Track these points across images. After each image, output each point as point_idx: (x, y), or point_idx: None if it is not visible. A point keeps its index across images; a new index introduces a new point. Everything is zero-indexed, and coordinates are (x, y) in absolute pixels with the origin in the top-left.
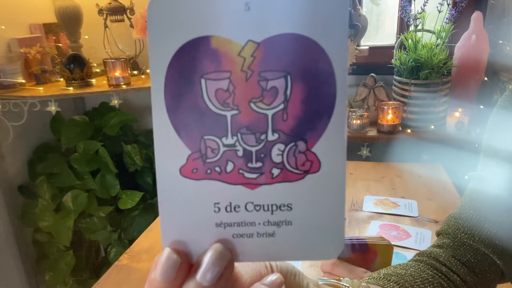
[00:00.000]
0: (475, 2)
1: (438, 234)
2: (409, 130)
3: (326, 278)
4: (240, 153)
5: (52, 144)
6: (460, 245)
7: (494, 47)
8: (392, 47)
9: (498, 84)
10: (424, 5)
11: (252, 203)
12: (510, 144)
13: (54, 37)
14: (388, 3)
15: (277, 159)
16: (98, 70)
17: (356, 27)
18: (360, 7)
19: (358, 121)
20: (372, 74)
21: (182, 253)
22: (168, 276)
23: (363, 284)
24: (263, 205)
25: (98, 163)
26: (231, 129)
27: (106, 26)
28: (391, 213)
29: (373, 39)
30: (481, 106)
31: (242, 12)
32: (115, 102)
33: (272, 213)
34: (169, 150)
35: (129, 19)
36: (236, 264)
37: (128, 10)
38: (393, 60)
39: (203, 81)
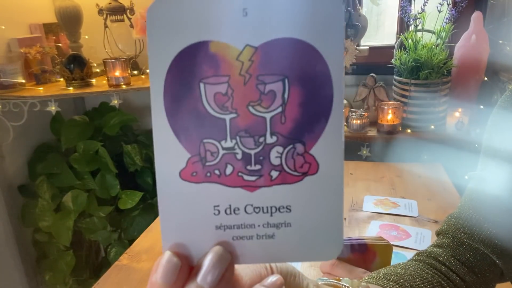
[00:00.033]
0: (475, 2)
1: (438, 233)
2: (409, 130)
3: (325, 278)
4: (239, 156)
5: (52, 144)
6: (460, 244)
7: (494, 47)
8: (392, 47)
9: (498, 84)
10: (424, 5)
11: (252, 205)
12: (510, 144)
13: (54, 37)
14: (388, 3)
15: (275, 161)
16: (98, 70)
17: (356, 27)
18: (360, 7)
19: (358, 121)
20: (372, 74)
21: (182, 256)
22: (169, 279)
23: (362, 284)
24: (263, 207)
25: (98, 163)
26: (230, 132)
27: (106, 26)
28: (391, 213)
29: (373, 39)
30: (481, 106)
31: (240, 17)
32: (115, 102)
33: (271, 215)
34: (169, 153)
35: (129, 19)
36: (236, 266)
37: (128, 10)
38: (393, 60)
39: (202, 85)
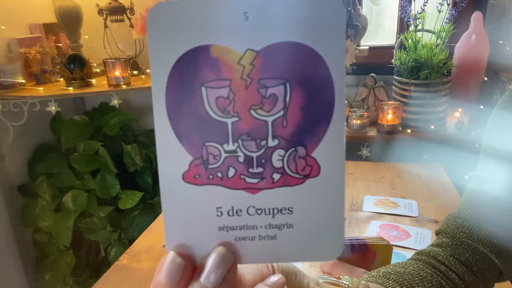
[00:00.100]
0: (475, 2)
1: (437, 233)
2: (409, 130)
3: (326, 276)
4: (241, 159)
5: (52, 144)
6: (459, 244)
7: (494, 47)
8: (392, 47)
9: (498, 84)
10: (424, 5)
11: (254, 207)
12: (510, 144)
13: (54, 37)
14: (388, 3)
15: (277, 164)
16: (98, 70)
17: (356, 27)
18: (360, 7)
19: (358, 121)
20: (372, 74)
21: (186, 256)
22: (172, 278)
23: (362, 282)
24: (265, 209)
25: (98, 163)
26: (232, 135)
27: (106, 26)
28: (391, 213)
29: (373, 39)
30: (481, 106)
31: (241, 22)
32: (115, 102)
33: (273, 217)
34: (172, 156)
35: (129, 19)
36: (239, 265)
37: (128, 10)
38: (393, 60)
39: (203, 89)
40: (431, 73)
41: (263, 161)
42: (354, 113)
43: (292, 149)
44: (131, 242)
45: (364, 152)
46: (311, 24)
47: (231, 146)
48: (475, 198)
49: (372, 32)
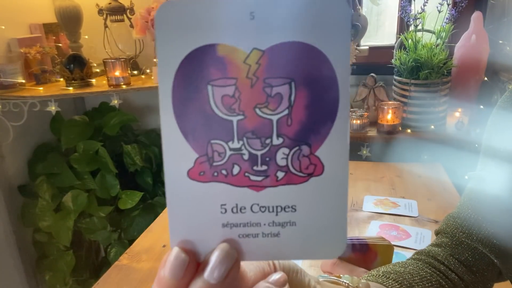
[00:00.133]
0: (475, 2)
1: (437, 233)
2: (409, 130)
3: (326, 275)
4: (246, 157)
5: (52, 144)
6: (458, 244)
7: (494, 47)
8: (392, 47)
9: (498, 84)
10: (424, 5)
11: (258, 204)
12: (509, 144)
13: (54, 37)
14: (388, 3)
15: (281, 162)
16: (98, 70)
17: (356, 27)
18: (360, 7)
19: (358, 121)
20: (372, 74)
21: (190, 252)
22: (176, 274)
23: (362, 281)
24: (268, 207)
25: (98, 163)
26: (237, 133)
27: (106, 26)
28: (391, 213)
29: (373, 39)
30: (481, 106)
31: (247, 21)
32: (115, 102)
33: (277, 214)
34: (177, 153)
35: (129, 19)
36: (241, 262)
37: (128, 10)
38: (393, 60)
39: (209, 87)
40: (431, 73)
41: (267, 159)
42: (354, 113)
43: (296, 147)
44: (131, 242)
45: (364, 152)
46: (317, 24)
47: (236, 144)
48: (475, 198)
49: (372, 32)
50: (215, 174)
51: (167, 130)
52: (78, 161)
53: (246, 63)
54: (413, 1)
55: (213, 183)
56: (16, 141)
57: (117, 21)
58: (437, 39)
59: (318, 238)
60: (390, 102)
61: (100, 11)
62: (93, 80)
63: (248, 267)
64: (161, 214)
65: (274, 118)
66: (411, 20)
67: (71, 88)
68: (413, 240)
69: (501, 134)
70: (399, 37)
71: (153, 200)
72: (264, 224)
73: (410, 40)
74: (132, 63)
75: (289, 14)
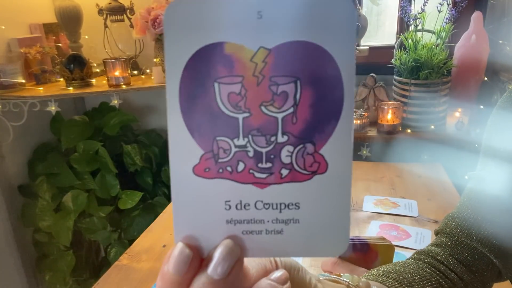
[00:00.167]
0: (475, 2)
1: (437, 233)
2: (409, 130)
3: (327, 274)
4: (251, 154)
5: (52, 144)
6: (458, 244)
7: (494, 47)
8: (392, 47)
9: (498, 84)
10: (424, 5)
11: (262, 201)
12: (509, 144)
13: (54, 37)
14: (388, 3)
15: (286, 160)
16: (98, 70)
17: (356, 27)
18: (360, 7)
19: (358, 121)
20: (372, 74)
21: (194, 248)
22: (180, 269)
23: (362, 280)
24: (272, 204)
25: (98, 163)
26: (242, 131)
27: (106, 26)
28: (391, 213)
29: (373, 39)
30: (481, 106)
31: (254, 20)
32: (115, 102)
33: (280, 212)
34: (183, 150)
35: (129, 19)
36: (244, 259)
37: (128, 10)
38: (393, 60)
39: (216, 84)
40: (431, 73)
41: (272, 156)
42: (354, 113)
43: (301, 145)
44: (131, 242)
45: (364, 152)
46: (323, 24)
47: (241, 141)
48: (474, 198)
49: (372, 32)
50: (220, 170)
51: (174, 127)
52: (78, 161)
53: (252, 61)
54: (413, 1)
55: (218, 179)
56: (16, 141)
57: (117, 21)
58: (437, 39)
59: (321, 236)
60: (390, 102)
61: (100, 11)
62: (93, 80)
63: (250, 264)
64: (161, 214)
65: (280, 116)
66: (411, 20)
67: (71, 88)
68: (413, 240)
69: (501, 134)
70: (399, 37)
71: (153, 200)
72: (268, 221)
73: (410, 40)
74: (132, 63)
75: (296, 14)
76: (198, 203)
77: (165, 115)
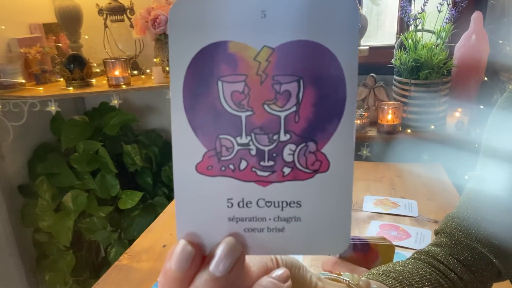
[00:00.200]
0: (475, 2)
1: (436, 233)
2: (409, 130)
3: (327, 273)
4: (253, 152)
5: (52, 144)
6: (458, 243)
7: (494, 47)
8: (392, 47)
9: (498, 84)
10: (424, 5)
11: (264, 199)
12: (509, 144)
13: (54, 37)
14: (388, 3)
15: (288, 158)
16: (98, 70)
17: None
18: (360, 7)
19: (358, 121)
20: (372, 74)
21: (196, 245)
22: (182, 266)
23: (362, 279)
24: (274, 202)
25: (98, 163)
26: (245, 129)
27: (106, 26)
28: (391, 213)
29: (373, 39)
30: (481, 106)
31: (258, 19)
32: (115, 102)
33: (282, 210)
34: (186, 147)
35: (129, 19)
36: (246, 256)
37: (128, 10)
38: (393, 60)
39: (220, 83)
40: (431, 73)
41: (274, 155)
42: None
43: (303, 144)
44: (131, 242)
45: (364, 152)
46: (326, 23)
47: (244, 139)
48: (474, 198)
49: (372, 32)
50: (223, 168)
51: (177, 125)
52: (78, 161)
53: (256, 60)
54: (413, 1)
55: (220, 177)
56: (16, 141)
57: (117, 21)
58: (437, 39)
59: (322, 234)
60: (390, 102)
61: (100, 11)
62: (93, 80)
63: (252, 261)
64: (161, 214)
65: (282, 115)
66: (411, 20)
67: (71, 88)
68: (413, 240)
69: (500, 134)
70: (399, 37)
71: (153, 200)
72: (269, 219)
73: (410, 40)
74: (132, 63)
75: (299, 13)
76: (201, 201)
77: (165, 115)
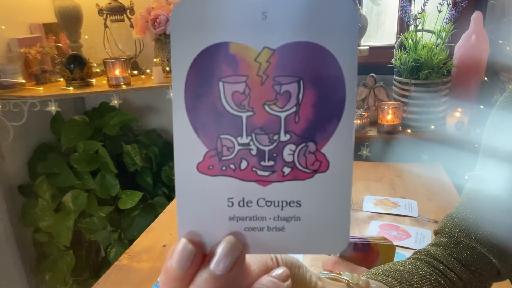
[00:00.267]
0: (475, 2)
1: (436, 233)
2: (409, 130)
3: (327, 272)
4: (254, 152)
5: (52, 144)
6: (457, 243)
7: (494, 47)
8: (392, 47)
9: (498, 84)
10: (424, 5)
11: (264, 199)
12: (508, 144)
13: (54, 37)
14: (388, 3)
15: (288, 158)
16: (98, 70)
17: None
18: (360, 7)
19: (358, 121)
20: (372, 74)
21: (197, 243)
22: (183, 264)
23: (362, 278)
24: (274, 201)
25: (98, 163)
26: (246, 129)
27: (106, 26)
28: (391, 213)
29: (373, 39)
30: (481, 106)
31: (259, 21)
32: (115, 102)
33: (282, 209)
34: (188, 147)
35: (129, 19)
36: (246, 255)
37: (128, 10)
38: (393, 60)
39: (221, 83)
40: (431, 73)
41: (274, 155)
42: None
43: (303, 144)
44: (131, 242)
45: (364, 152)
46: (326, 25)
47: (244, 139)
48: (474, 198)
49: (372, 32)
50: (224, 168)
51: (179, 125)
52: (78, 161)
53: (257, 61)
54: (413, 1)
55: (221, 177)
56: (16, 141)
57: (117, 21)
58: (437, 39)
59: (321, 233)
60: (390, 102)
61: (100, 11)
62: (93, 80)
63: (252, 260)
64: (161, 214)
65: (282, 115)
66: (411, 20)
67: (71, 88)
68: (413, 240)
69: (500, 134)
70: (399, 37)
71: (153, 200)
72: (270, 218)
73: (410, 40)
74: (132, 63)
75: (299, 15)
76: (202, 200)
77: (165, 115)
